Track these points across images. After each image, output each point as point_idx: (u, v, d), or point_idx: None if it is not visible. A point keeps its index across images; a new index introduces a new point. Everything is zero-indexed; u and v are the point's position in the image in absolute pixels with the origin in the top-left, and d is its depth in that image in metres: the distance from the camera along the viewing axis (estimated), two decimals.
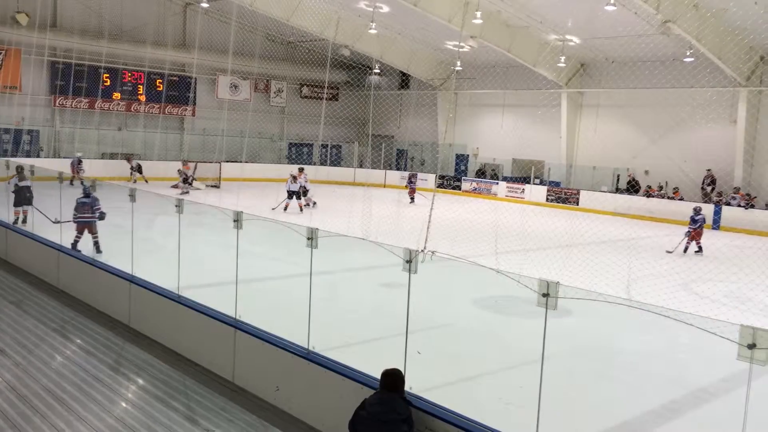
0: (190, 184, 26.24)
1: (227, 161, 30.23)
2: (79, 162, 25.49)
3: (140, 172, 27.00)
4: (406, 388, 5.27)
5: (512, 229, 20.22)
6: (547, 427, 4.76)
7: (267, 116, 36.14)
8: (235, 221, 7.40)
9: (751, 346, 3.75)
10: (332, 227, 11.04)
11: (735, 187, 24.42)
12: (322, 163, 35.42)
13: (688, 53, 23.34)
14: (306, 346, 6.45)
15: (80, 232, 12.32)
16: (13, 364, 7.37)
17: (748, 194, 23.98)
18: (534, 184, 30.35)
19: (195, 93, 33.07)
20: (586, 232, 21.91)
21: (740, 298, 13.04)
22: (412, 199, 26.49)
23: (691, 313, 6.48)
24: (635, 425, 6.77)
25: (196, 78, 32.44)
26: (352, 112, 37.05)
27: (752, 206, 23.42)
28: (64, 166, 24.29)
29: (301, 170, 23.05)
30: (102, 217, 12.38)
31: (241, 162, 30.89)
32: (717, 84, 24.54)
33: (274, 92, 36.57)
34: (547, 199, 29.10)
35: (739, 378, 8.18)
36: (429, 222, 14.15)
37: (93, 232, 12.48)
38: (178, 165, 27.21)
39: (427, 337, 8.78)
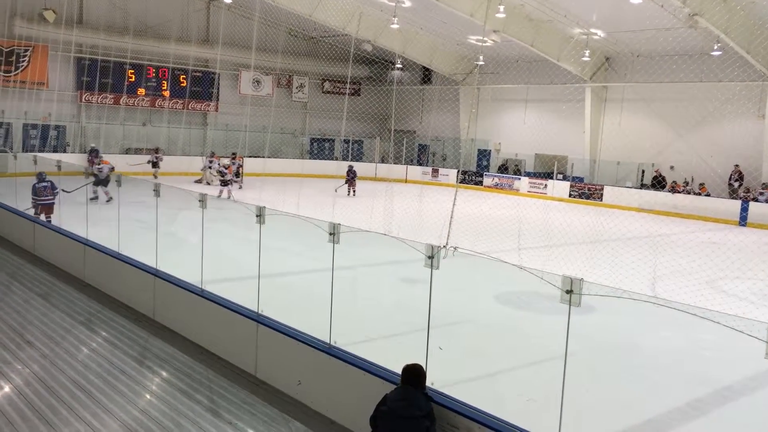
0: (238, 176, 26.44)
1: (249, 156, 30.39)
2: (96, 153, 25.88)
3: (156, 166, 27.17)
4: (428, 383, 5.27)
5: (535, 224, 20.10)
6: (569, 424, 4.73)
7: (289, 111, 36.28)
8: (257, 216, 7.45)
9: None
10: (354, 222, 11.07)
11: (763, 183, 23.98)
12: (344, 158, 35.46)
13: (715, 47, 22.93)
14: (327, 341, 6.47)
15: (46, 213, 14.18)
16: (40, 356, 7.50)
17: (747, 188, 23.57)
18: (557, 179, 30.09)
19: (218, 89, 33.30)
20: (610, 229, 21.69)
21: (765, 295, 12.82)
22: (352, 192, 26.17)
23: (717, 311, 6.39)
24: (659, 423, 6.70)
25: (219, 74, 32.67)
26: (374, 108, 37.03)
27: None
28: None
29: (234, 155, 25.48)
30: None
31: (263, 157, 31.05)
32: (745, 78, 24.06)
33: (296, 87, 36.69)
34: (570, 195, 28.86)
35: (766, 377, 8.06)
36: (451, 217, 14.11)
37: (50, 212, 14.31)
38: (202, 159, 27.40)
39: (449, 332, 8.77)
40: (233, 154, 27.43)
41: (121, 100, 30.45)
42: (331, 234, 6.42)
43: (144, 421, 6.05)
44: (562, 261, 13.79)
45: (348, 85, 35.63)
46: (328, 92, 37.38)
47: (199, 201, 8.61)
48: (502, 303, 10.95)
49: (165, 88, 31.93)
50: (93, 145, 27.02)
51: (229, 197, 20.17)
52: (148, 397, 6.68)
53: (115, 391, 6.66)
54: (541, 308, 9.94)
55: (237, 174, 26.15)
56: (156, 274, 9.11)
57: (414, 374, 5.05)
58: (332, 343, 6.45)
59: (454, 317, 9.33)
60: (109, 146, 28.67)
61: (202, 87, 32.85)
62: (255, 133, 32.27)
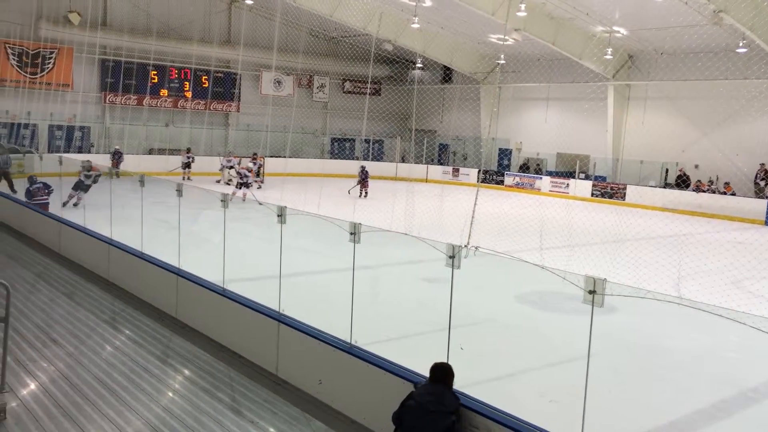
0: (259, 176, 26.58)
1: (271, 156, 30.56)
2: (119, 154, 26.20)
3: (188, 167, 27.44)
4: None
5: (557, 224, 19.95)
6: (592, 425, 4.69)
7: (310, 111, 36.42)
8: (278, 216, 7.48)
9: None
10: (375, 222, 11.08)
11: None
12: (365, 158, 35.50)
13: (741, 43, 22.59)
14: (348, 341, 6.49)
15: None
16: (66, 354, 7.61)
17: None
18: (579, 178, 29.84)
19: (239, 89, 33.53)
20: (633, 228, 21.47)
21: None
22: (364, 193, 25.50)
23: (743, 312, 6.29)
24: (683, 425, 6.62)
25: (240, 74, 32.89)
26: (395, 107, 37.03)
27: None
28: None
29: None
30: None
31: (284, 157, 31.20)
32: None
33: (317, 87, 36.81)
34: (593, 194, 28.60)
35: None
36: (473, 217, 14.06)
37: (46, 210, 15.21)
38: (220, 160, 27.59)
39: (470, 332, 8.73)
40: (254, 154, 27.60)
41: (144, 101, 30.80)
42: (351, 233, 6.43)
43: (167, 419, 6.11)
44: (585, 261, 13.67)
45: (369, 85, 35.67)
46: (349, 92, 37.45)
47: (221, 201, 8.68)
48: (523, 303, 10.88)
49: (187, 88, 32.24)
50: (117, 147, 27.32)
51: (243, 199, 20.17)
52: (170, 395, 6.75)
53: (139, 389, 6.73)
54: (563, 308, 9.86)
55: (258, 174, 26.29)
56: (178, 273, 9.19)
57: (443, 372, 5.11)
58: (353, 342, 6.46)
59: (475, 317, 9.29)
60: (132, 147, 29.00)
61: (223, 87, 33.11)
62: (276, 133, 32.44)
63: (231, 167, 27.20)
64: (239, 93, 33.59)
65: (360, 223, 6.43)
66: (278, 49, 29.24)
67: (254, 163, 26.41)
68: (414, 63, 34.64)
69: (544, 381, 7.51)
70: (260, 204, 8.27)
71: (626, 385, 7.61)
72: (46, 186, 16.10)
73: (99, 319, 9.01)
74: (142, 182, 11.91)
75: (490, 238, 13.37)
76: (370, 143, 37.18)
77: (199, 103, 32.43)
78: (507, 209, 23.42)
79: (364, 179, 25.47)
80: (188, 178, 26.22)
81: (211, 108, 32.86)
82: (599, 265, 12.63)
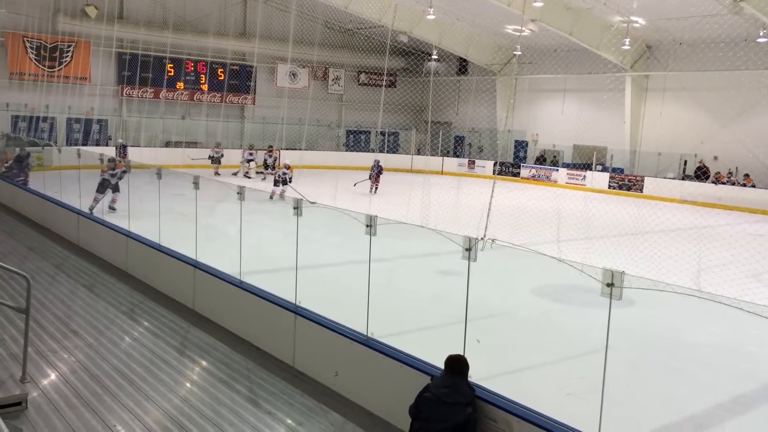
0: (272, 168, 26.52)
1: (286, 149, 30.62)
2: (124, 148, 26.26)
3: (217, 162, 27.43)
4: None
5: (574, 216, 19.83)
6: (610, 419, 4.66)
7: (325, 104, 36.42)
8: (295, 208, 7.50)
9: None
10: (391, 214, 11.08)
11: None
12: (380, 150, 35.47)
13: (761, 33, 22.24)
14: (365, 333, 6.49)
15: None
16: (85, 345, 7.69)
17: None
18: (596, 170, 29.60)
19: (255, 81, 33.59)
20: (651, 221, 21.27)
21: None
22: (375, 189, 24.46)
23: (762, 305, 6.22)
24: (703, 419, 6.56)
25: (256, 67, 32.94)
26: (410, 99, 36.92)
27: None
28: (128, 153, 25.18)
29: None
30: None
31: (300, 149, 31.25)
32: None
33: (332, 80, 36.79)
34: (610, 186, 28.38)
35: None
36: (489, 209, 14.01)
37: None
38: (242, 153, 27.68)
39: (486, 325, 8.70)
40: (269, 147, 27.64)
41: (161, 93, 30.95)
42: (367, 226, 6.42)
43: (185, 410, 6.16)
44: (602, 253, 13.59)
45: (384, 77, 35.58)
46: (364, 84, 37.39)
47: (238, 193, 8.71)
48: (539, 296, 10.83)
49: (203, 81, 32.35)
50: (120, 140, 27.15)
51: (281, 197, 19.85)
52: (188, 386, 6.80)
53: (157, 379, 6.79)
54: (580, 301, 9.79)
55: (273, 167, 26.33)
56: (196, 265, 9.25)
57: (458, 363, 5.12)
58: (369, 334, 6.47)
59: (492, 310, 9.26)
60: (148, 140, 29.17)
61: (239, 80, 33.19)
62: (292, 125, 32.48)
63: (251, 160, 27.30)
64: (255, 85, 33.66)
65: (376, 216, 6.42)
66: (293, 41, 29.26)
67: (270, 156, 26.47)
68: (429, 55, 34.50)
69: (561, 374, 7.47)
70: (311, 203, 8.16)
71: (644, 379, 7.56)
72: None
73: (118, 310, 9.09)
74: (159, 175, 11.97)
75: (507, 231, 13.31)
76: (386, 135, 37.13)
77: (215, 95, 32.53)
78: (523, 201, 23.27)
79: (377, 174, 24.67)
80: (216, 173, 26.17)
81: (227, 101, 32.96)
82: (617, 258, 12.53)
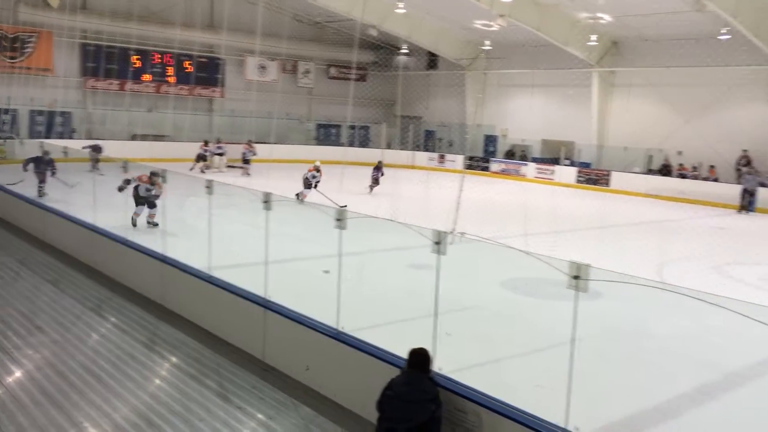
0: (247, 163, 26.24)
1: (256, 142, 30.37)
2: (99, 149, 25.53)
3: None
4: (436, 369, 5.29)
5: (542, 210, 20.07)
6: (577, 409, 4.75)
7: (295, 97, 36.17)
8: (264, 202, 7.46)
9: None
10: (361, 208, 11.09)
11: None
12: (351, 144, 35.40)
13: (723, 30, 22.72)
14: (335, 326, 6.50)
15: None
16: (51, 342, 7.57)
17: (757, 171, 23.40)
18: (564, 165, 29.98)
19: (224, 74, 33.22)
20: (617, 214, 21.63)
21: None
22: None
23: (724, 296, 6.38)
24: (667, 408, 6.72)
25: (224, 59, 32.57)
26: (381, 93, 36.89)
27: None
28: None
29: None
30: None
31: (270, 143, 31.03)
32: (753, 62, 23.85)
33: (302, 73, 36.56)
34: (578, 181, 28.75)
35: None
36: (458, 203, 14.11)
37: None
38: (203, 147, 27.33)
39: (456, 318, 8.76)
40: (248, 141, 27.39)
41: (127, 86, 30.42)
42: (338, 220, 6.42)
43: (154, 406, 6.10)
44: (569, 247, 13.78)
45: (354, 71, 35.48)
46: (334, 78, 37.23)
47: (206, 187, 8.63)
48: (508, 289, 10.95)
49: (170, 73, 31.87)
50: (97, 142, 25.63)
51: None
52: (157, 382, 6.74)
53: (125, 376, 6.72)
54: (548, 294, 9.92)
55: (247, 161, 26.14)
56: (164, 260, 9.15)
57: (420, 358, 5.08)
58: (340, 328, 6.48)
59: (462, 303, 9.34)
60: (114, 133, 28.66)
61: (207, 73, 32.79)
62: (261, 119, 32.23)
63: (221, 154, 26.97)
64: (223, 78, 33.29)
65: (346, 209, 6.43)
66: (262, 33, 28.94)
67: (249, 151, 26.31)
68: (399, 49, 34.49)
69: (530, 366, 7.57)
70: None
71: (611, 370, 7.70)
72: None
73: (84, 306, 8.96)
74: (125, 168, 11.81)
75: (477, 225, 13.41)
76: (356, 129, 37.05)
77: (183, 88, 32.08)
78: (493, 196, 23.47)
79: (377, 178, 23.02)
80: (203, 171, 25.62)
81: (195, 93, 32.53)
82: (583, 251, 12.72)
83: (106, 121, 29.26)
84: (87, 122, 29.70)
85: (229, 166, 26.83)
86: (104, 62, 29.20)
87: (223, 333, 7.93)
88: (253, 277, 7.60)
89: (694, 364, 8.09)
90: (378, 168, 23.15)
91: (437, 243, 5.40)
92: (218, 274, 8.30)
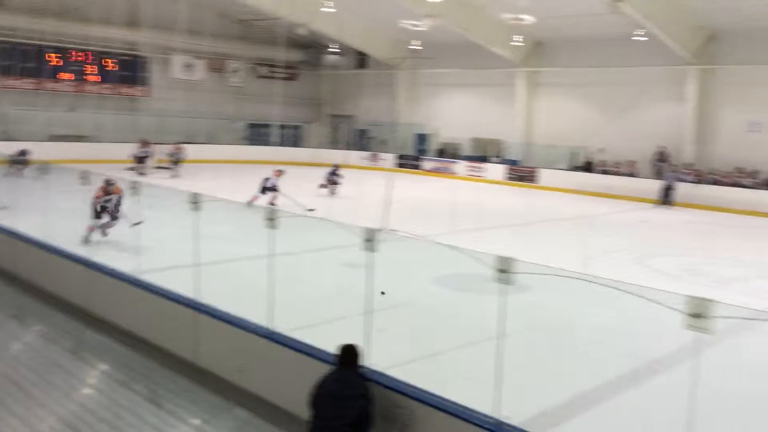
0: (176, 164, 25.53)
1: (184, 143, 29.69)
2: (24, 154, 24.35)
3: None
4: (370, 365, 5.34)
5: (472, 207, 20.46)
6: (508, 400, 4.89)
7: (223, 96, 35.51)
8: (193, 203, 7.34)
9: (696, 316, 3.91)
10: (293, 208, 11.04)
11: (686, 164, 25.05)
12: (282, 143, 35.07)
13: (638, 32, 23.73)
14: (268, 327, 6.46)
15: None
16: None
17: (698, 170, 24.64)
18: (493, 162, 30.63)
19: (148, 73, 32.30)
20: (544, 210, 22.28)
21: (694, 272, 13.46)
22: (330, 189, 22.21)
23: (648, 287, 6.69)
24: (593, 396, 6.99)
25: (148, 57, 31.68)
26: (311, 92, 36.68)
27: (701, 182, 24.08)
28: (11, 149, 23.53)
29: None
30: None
31: (198, 143, 30.42)
32: (667, 62, 25.03)
33: (231, 72, 35.94)
34: (507, 178, 29.42)
35: (690, 347, 8.48)
36: (389, 202, 14.24)
37: None
38: (135, 147, 26.52)
39: (390, 315, 8.86)
40: (177, 143, 26.71)
41: (44, 84, 29.17)
42: (269, 220, 6.39)
43: (81, 414, 5.92)
44: (499, 242, 14.12)
45: (282, 70, 35.19)
46: (263, 77, 36.76)
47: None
48: (440, 285, 11.13)
49: (91, 72, 30.73)
50: (25, 148, 24.20)
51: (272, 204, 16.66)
52: (85, 390, 6.54)
53: (50, 385, 6.48)
54: (479, 289, 10.14)
55: (175, 162, 25.54)
56: (89, 264, 8.86)
57: (348, 354, 5.11)
58: (273, 328, 6.45)
59: (395, 300, 9.45)
60: (31, 134, 27.42)
61: (131, 71, 31.77)
62: (189, 118, 31.53)
63: (146, 156, 25.99)
64: (148, 77, 32.36)
65: (278, 209, 6.40)
66: (188, 31, 28.33)
67: (177, 152, 25.71)
68: (329, 48, 34.40)
69: (463, 360, 7.73)
70: (309, 210, 7.69)
71: (539, 360, 7.95)
72: None
73: (5, 314, 8.58)
74: (44, 170, 11.36)
75: (408, 223, 13.57)
76: (287, 129, 36.73)
77: (105, 87, 31.01)
78: (424, 193, 23.77)
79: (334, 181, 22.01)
80: (142, 174, 24.05)
81: (119, 92, 31.51)
82: (512, 246, 13.07)
83: (23, 122, 27.95)
84: (2, 123, 28.30)
85: (157, 167, 26.10)
86: (19, 60, 27.92)
87: (153, 337, 7.74)
88: (184, 279, 7.46)
89: (619, 354, 8.43)
90: (335, 171, 22.17)
91: (368, 241, 5.45)
92: (148, 277, 8.11)
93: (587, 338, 8.97)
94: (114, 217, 12.14)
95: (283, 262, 6.93)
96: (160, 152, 26.57)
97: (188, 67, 33.57)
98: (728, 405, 6.78)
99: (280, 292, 6.59)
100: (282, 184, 17.99)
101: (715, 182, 24.02)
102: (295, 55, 36.50)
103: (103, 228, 12.13)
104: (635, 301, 5.29)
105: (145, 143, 26.28)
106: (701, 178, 24.30)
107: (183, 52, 32.03)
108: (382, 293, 4.85)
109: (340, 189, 21.53)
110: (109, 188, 12.10)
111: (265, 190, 18.05)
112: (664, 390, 7.29)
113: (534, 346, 8.38)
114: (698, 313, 3.90)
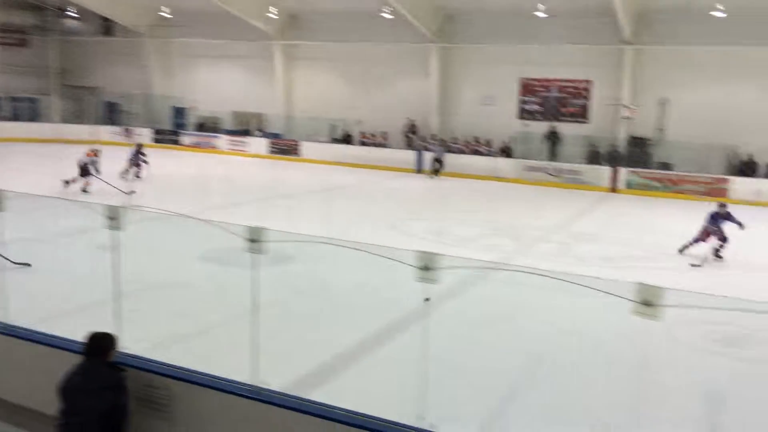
0: None
1: None
2: None
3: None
4: (125, 349, 5.08)
5: (230, 182, 20.24)
6: (266, 366, 4.99)
7: None
8: None
9: (425, 269, 4.36)
10: (24, 188, 10.00)
11: (432, 134, 27.21)
12: (17, 118, 31.26)
13: (386, 9, 25.07)
14: (4, 321, 5.84)
15: None
16: None
17: (443, 140, 26.92)
18: (256, 136, 30.44)
19: None
20: (305, 181, 22.81)
21: (439, 233, 14.78)
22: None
23: (395, 248, 7.22)
24: (348, 355, 7.42)
25: None
26: (46, 61, 33.06)
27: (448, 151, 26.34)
28: None
29: None
30: None
31: None
32: (413, 40, 26.82)
33: None
34: (270, 151, 29.44)
35: (427, 307, 9.32)
36: (135, 175, 13.50)
37: None
38: None
39: (154, 296, 8.52)
40: None
41: None
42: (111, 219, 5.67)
43: None
44: (260, 215, 14.20)
45: (10, 35, 31.24)
46: None
47: None
48: (202, 261, 10.90)
49: None
50: None
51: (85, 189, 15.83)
52: None
53: None
54: (244, 263, 10.11)
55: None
56: None
57: (94, 343, 4.74)
58: (10, 322, 5.84)
59: (157, 281, 9.07)
60: None
61: None
62: None
63: None
64: None
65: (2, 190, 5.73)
66: None
67: None
68: (66, 11, 31.21)
69: (232, 333, 7.68)
70: (131, 192, 6.60)
71: (303, 326, 8.22)
72: None
73: None
74: None
75: (164, 199, 13.03)
76: (21, 102, 32.74)
77: None
78: (182, 169, 22.92)
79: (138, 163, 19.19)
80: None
81: None
82: (268, 218, 13.19)
83: None
84: None
85: None
86: None
87: None
88: None
89: (373, 312, 9.00)
90: (138, 151, 19.32)
91: (112, 218, 5.15)
92: None
93: (344, 300, 9.42)
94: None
95: (22, 249, 6.28)
96: None
97: None
98: (459, 347, 7.64)
99: (20, 281, 5.97)
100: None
101: (460, 151, 26.39)
102: (25, 18, 32.55)
103: None
104: (386, 262, 5.65)
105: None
106: (449, 148, 26.55)
107: None
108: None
109: (145, 170, 19.10)
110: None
111: (84, 172, 16.38)
112: (409, 343, 7.99)
113: (297, 312, 8.64)
114: (426, 265, 4.33)
